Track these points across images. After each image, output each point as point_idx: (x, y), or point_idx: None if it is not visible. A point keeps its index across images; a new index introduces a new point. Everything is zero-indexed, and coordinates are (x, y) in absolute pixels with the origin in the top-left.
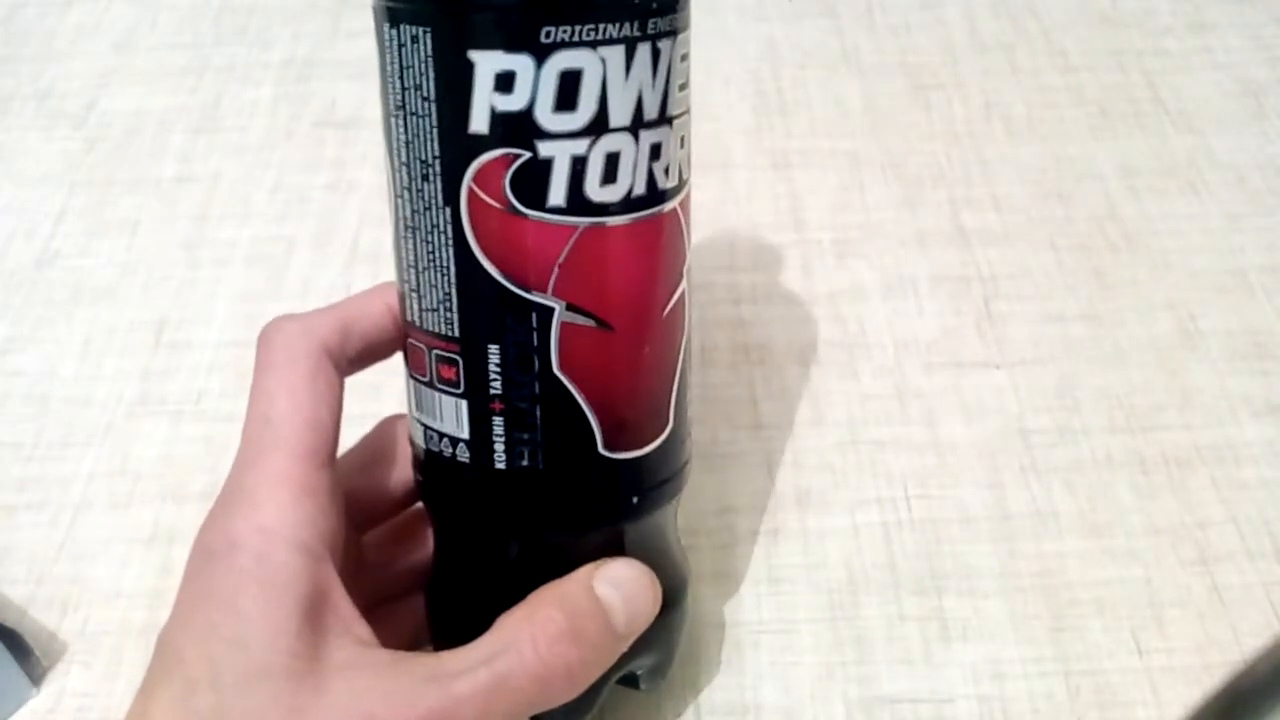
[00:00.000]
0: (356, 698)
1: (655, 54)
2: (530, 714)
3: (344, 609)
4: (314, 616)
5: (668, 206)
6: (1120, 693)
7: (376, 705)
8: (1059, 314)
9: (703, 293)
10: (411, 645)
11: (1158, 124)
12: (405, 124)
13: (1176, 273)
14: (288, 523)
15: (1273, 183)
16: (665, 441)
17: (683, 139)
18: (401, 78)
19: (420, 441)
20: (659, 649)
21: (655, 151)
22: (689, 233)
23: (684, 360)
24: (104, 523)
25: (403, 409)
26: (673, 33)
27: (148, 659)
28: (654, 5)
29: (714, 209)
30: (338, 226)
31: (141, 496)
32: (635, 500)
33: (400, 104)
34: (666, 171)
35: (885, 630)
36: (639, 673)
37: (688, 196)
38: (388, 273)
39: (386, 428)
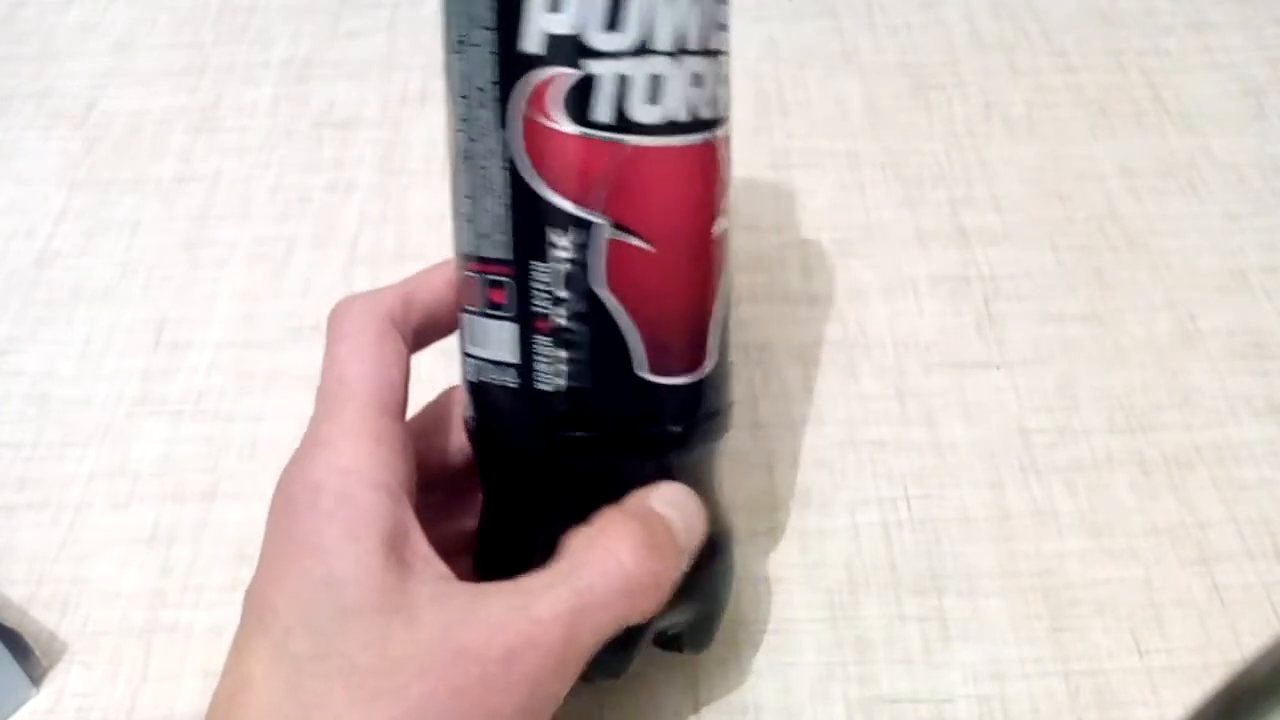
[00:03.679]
0: (446, 630)
1: None
2: (612, 631)
3: (424, 548)
4: (397, 553)
5: (708, 136)
6: (1120, 693)
7: (465, 636)
8: (1059, 314)
9: None
10: None
11: (1158, 124)
12: (465, 56)
13: (1176, 273)
14: (366, 465)
15: (1273, 183)
16: (707, 376)
17: (723, 76)
18: (466, 13)
19: (473, 376)
20: (701, 599)
21: (697, 80)
22: (728, 172)
23: (725, 299)
24: (104, 523)
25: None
26: None
27: (148, 659)
28: None
29: None
30: (337, 226)
31: (141, 496)
32: (677, 430)
33: (462, 38)
34: (708, 103)
35: (885, 630)
36: (681, 631)
37: (728, 138)
38: (387, 273)
39: (446, 397)
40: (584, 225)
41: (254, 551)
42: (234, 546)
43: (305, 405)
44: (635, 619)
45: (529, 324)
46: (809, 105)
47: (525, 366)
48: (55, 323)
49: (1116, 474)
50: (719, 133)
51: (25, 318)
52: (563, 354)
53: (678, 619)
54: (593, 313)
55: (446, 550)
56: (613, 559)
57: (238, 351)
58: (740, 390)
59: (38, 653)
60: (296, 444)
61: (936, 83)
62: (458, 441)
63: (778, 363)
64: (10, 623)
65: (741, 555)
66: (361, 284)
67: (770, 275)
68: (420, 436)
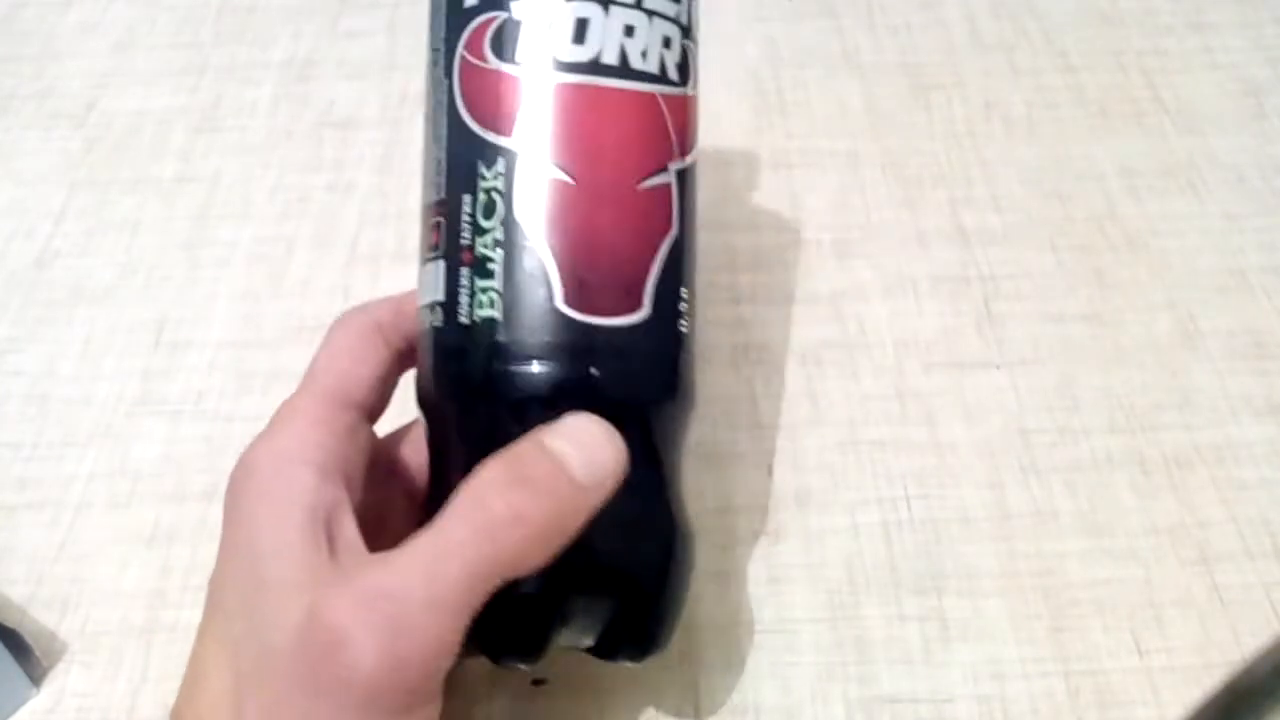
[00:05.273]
0: (318, 600)
1: None
2: (490, 575)
3: (350, 531)
4: (320, 530)
5: (643, 87)
6: (1120, 693)
7: (325, 602)
8: (1059, 314)
9: (703, 293)
10: None
11: (1158, 124)
12: (431, 25)
13: (1176, 273)
14: (298, 444)
15: (1273, 183)
16: (638, 325)
17: (667, 39)
18: None
19: (419, 327)
20: (639, 587)
21: (629, 30)
22: (685, 137)
23: (679, 262)
24: (104, 523)
25: None
26: None
27: (148, 659)
28: None
29: (714, 209)
30: (337, 226)
31: (141, 496)
32: (594, 372)
33: (434, 6)
34: (643, 55)
35: (885, 630)
36: (616, 627)
37: (681, 102)
38: (388, 272)
39: None
40: (504, 153)
41: None
42: None
43: None
44: (508, 560)
45: (455, 257)
46: (809, 105)
47: (449, 300)
48: (55, 323)
49: (1116, 474)
50: (663, 89)
51: (25, 318)
52: (481, 282)
53: (604, 605)
54: (510, 239)
55: None
56: (471, 495)
57: (238, 351)
58: (740, 390)
59: (38, 653)
60: None
61: (936, 83)
62: None
63: (778, 363)
64: (10, 623)
65: (742, 556)
66: (361, 284)
67: (770, 275)
68: (409, 441)
